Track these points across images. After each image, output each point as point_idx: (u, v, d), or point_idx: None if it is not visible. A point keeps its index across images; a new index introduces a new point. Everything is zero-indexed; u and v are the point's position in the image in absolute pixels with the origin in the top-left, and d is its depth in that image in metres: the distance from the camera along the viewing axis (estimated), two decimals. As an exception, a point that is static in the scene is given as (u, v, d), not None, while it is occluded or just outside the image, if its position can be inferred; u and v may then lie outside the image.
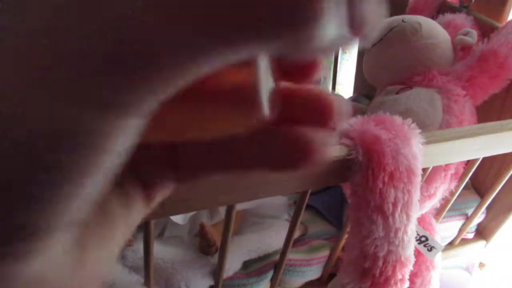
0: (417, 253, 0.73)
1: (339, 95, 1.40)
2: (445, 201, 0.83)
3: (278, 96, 0.17)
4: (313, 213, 0.93)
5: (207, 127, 0.16)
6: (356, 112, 1.01)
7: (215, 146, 0.17)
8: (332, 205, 0.91)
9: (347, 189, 0.65)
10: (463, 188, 0.83)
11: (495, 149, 0.71)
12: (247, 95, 0.15)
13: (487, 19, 0.96)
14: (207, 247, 0.75)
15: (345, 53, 1.52)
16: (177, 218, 0.76)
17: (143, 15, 0.10)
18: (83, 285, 0.14)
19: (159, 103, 0.12)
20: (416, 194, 0.61)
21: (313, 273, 0.84)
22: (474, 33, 0.91)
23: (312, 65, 0.17)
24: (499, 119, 0.74)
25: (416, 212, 0.62)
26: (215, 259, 0.73)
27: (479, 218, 0.96)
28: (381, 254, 0.62)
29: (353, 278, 0.65)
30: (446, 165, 0.77)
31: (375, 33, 0.12)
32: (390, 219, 0.60)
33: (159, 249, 0.74)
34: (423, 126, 0.71)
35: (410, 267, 0.65)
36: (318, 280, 0.87)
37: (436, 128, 0.82)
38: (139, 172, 0.18)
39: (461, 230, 0.96)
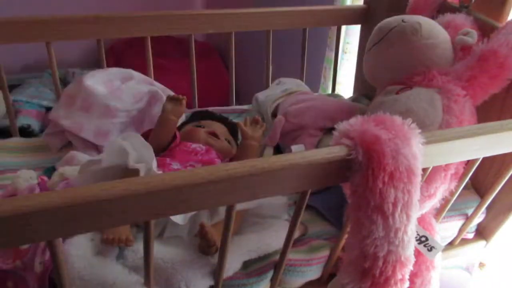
0: (417, 253, 0.73)
1: (339, 95, 1.40)
2: (445, 201, 0.83)
3: None
4: (313, 213, 0.92)
5: None
6: (356, 112, 1.01)
7: None
8: (332, 205, 0.91)
9: (347, 189, 0.65)
10: (463, 188, 0.83)
11: (495, 149, 0.71)
12: None
13: (487, 19, 0.96)
14: (207, 247, 0.75)
15: (345, 53, 1.52)
16: (177, 218, 0.76)
17: None
18: None
19: None
20: (416, 194, 0.61)
21: (313, 273, 0.84)
22: (474, 33, 0.91)
23: None
24: (499, 119, 0.74)
25: (416, 212, 0.62)
26: (215, 259, 0.73)
27: (479, 218, 0.96)
28: (381, 254, 0.62)
29: (353, 278, 0.65)
30: (446, 165, 0.77)
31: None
32: (390, 219, 0.60)
33: (159, 249, 0.74)
34: (423, 126, 0.71)
35: (410, 267, 0.65)
36: (318, 280, 0.87)
37: (436, 128, 0.82)
38: None
39: (461, 230, 0.96)
